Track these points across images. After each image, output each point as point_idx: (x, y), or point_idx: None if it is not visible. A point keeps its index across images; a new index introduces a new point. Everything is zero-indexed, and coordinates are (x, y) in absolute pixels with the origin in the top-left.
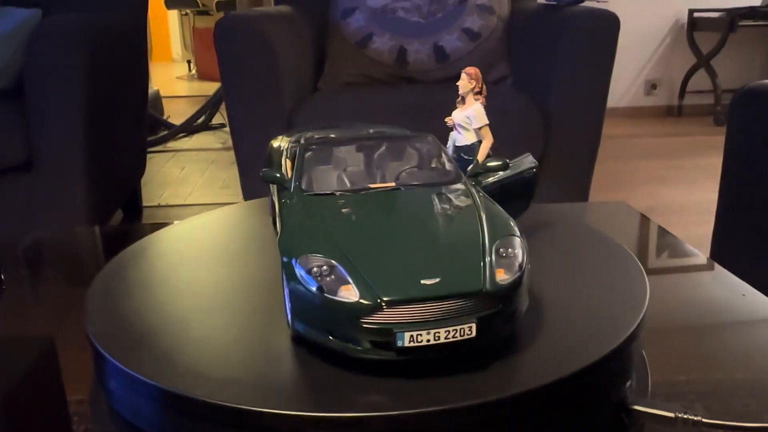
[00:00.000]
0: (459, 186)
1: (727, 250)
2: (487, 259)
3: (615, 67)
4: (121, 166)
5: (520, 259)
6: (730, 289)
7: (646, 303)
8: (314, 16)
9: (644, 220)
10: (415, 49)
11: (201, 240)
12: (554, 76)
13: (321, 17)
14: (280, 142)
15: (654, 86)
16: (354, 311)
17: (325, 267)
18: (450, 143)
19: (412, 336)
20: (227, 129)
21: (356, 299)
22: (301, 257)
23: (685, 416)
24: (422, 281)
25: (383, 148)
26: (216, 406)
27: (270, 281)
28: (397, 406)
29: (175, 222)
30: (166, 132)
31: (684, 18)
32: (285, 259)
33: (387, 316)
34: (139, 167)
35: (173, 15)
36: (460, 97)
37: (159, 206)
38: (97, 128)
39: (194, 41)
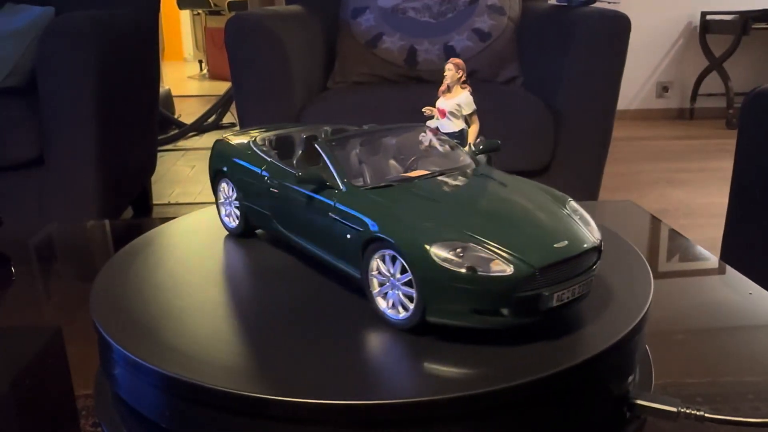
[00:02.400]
0: (486, 167)
1: (738, 253)
2: (578, 220)
3: (627, 69)
4: (131, 164)
5: (589, 217)
6: (741, 291)
7: (650, 298)
8: (325, 15)
9: (652, 219)
10: (425, 49)
11: (207, 232)
12: (565, 76)
13: (331, 17)
14: (239, 140)
15: (666, 89)
16: (510, 283)
17: (459, 249)
18: None
19: (558, 296)
20: (237, 128)
21: (511, 271)
22: (435, 244)
23: (687, 411)
24: (555, 245)
25: (394, 140)
26: (220, 393)
27: (274, 271)
28: (400, 394)
29: (182, 215)
30: (176, 131)
31: (696, 20)
32: (415, 250)
33: (538, 281)
34: (150, 165)
35: (185, 15)
36: (445, 87)
37: (169, 204)
38: (108, 125)
39: (206, 41)
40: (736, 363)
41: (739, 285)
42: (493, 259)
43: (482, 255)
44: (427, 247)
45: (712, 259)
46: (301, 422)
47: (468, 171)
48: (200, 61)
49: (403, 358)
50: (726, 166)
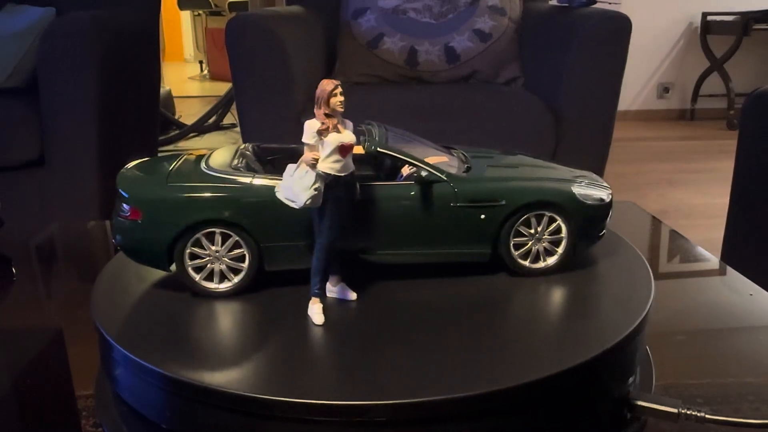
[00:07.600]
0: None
1: (738, 253)
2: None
3: (627, 69)
4: None
5: None
6: (741, 292)
7: (651, 299)
8: (325, 16)
9: (653, 220)
10: (425, 50)
11: None
12: (565, 77)
13: (332, 17)
14: (179, 166)
15: (666, 89)
16: (611, 204)
17: (583, 191)
18: None
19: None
20: (238, 129)
21: (611, 196)
22: (575, 191)
23: (688, 412)
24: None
25: (405, 140)
26: (220, 393)
27: (274, 272)
28: (400, 394)
29: None
30: (177, 131)
31: (697, 21)
32: (569, 201)
33: None
34: None
35: (186, 15)
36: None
37: None
38: (109, 126)
39: (206, 41)
40: (737, 364)
41: (739, 286)
42: (602, 192)
43: (594, 189)
44: (575, 194)
45: (713, 259)
46: (301, 422)
47: (462, 153)
48: (201, 62)
49: (403, 358)
50: (727, 167)
